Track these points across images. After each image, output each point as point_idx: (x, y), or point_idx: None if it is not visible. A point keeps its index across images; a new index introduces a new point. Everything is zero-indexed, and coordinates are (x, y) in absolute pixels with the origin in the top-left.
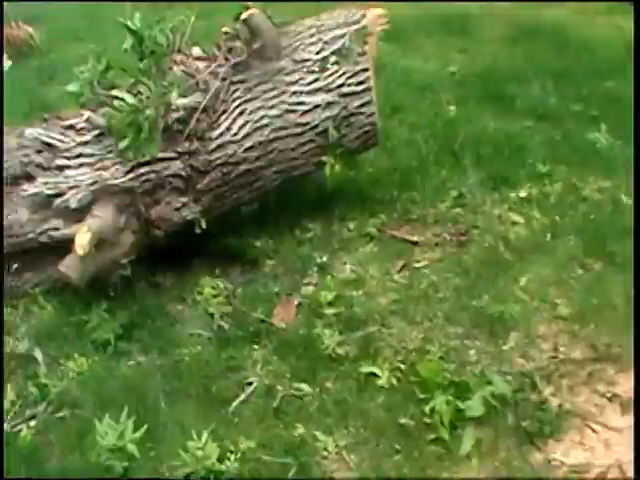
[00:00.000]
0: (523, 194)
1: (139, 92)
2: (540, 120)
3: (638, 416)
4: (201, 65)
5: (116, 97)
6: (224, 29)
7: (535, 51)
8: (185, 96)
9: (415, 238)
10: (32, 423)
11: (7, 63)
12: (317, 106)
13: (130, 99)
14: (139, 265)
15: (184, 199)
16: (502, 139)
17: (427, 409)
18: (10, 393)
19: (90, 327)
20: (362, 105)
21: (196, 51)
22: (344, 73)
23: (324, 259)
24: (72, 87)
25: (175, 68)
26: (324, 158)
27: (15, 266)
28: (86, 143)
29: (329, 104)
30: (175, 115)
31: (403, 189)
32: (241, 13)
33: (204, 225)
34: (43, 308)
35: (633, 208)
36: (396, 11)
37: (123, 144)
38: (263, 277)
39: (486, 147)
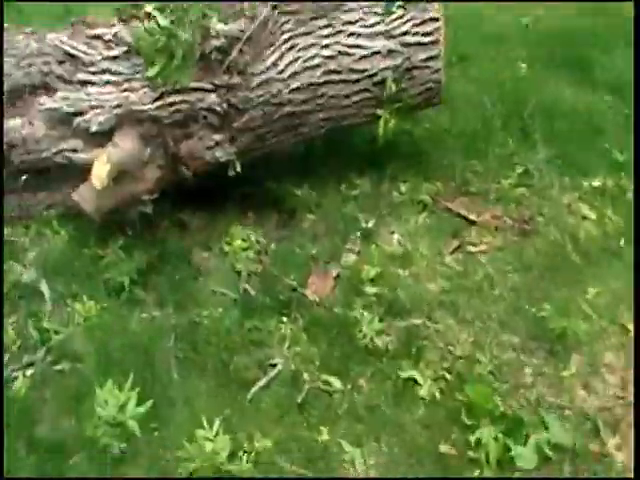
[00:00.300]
0: (596, 183)
1: (176, 10)
2: (620, 96)
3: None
4: None
5: (149, 15)
6: None
7: (621, 14)
8: (227, 22)
9: (473, 217)
10: (29, 372)
11: None
12: (376, 52)
13: (163, 21)
14: (164, 200)
15: (218, 137)
16: (577, 114)
17: (472, 439)
18: (10, 330)
19: (104, 265)
20: (428, 59)
21: None
22: (410, 19)
23: (370, 224)
24: None
25: None
26: (379, 111)
27: (24, 178)
28: (114, 58)
29: (390, 52)
30: (215, 43)
31: (464, 155)
32: None
33: (239, 168)
34: (57, 233)
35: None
36: None
37: (152, 71)
38: (300, 235)
39: (559, 120)
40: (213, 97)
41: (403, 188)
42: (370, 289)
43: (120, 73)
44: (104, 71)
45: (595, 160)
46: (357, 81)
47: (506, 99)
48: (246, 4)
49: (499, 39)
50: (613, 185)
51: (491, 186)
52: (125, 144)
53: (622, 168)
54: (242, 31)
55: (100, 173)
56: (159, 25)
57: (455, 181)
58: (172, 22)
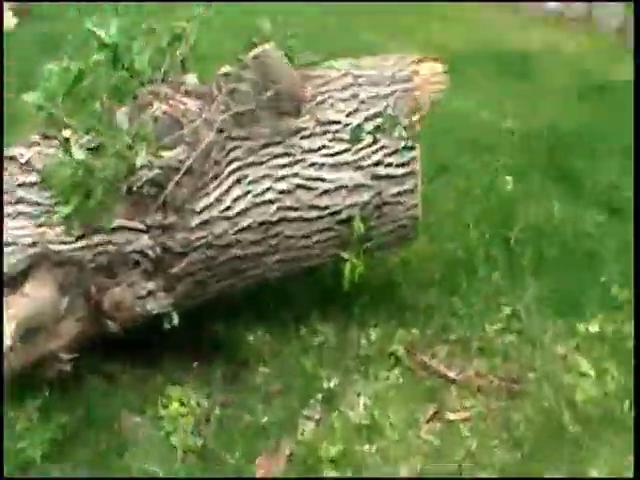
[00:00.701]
0: (594, 329)
1: (97, 133)
2: (614, 214)
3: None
4: (192, 105)
5: (67, 140)
6: (223, 70)
7: (607, 112)
8: (159, 155)
9: (453, 374)
10: None
11: (12, 21)
12: (342, 187)
13: (79, 154)
14: (89, 349)
15: (151, 285)
16: (569, 237)
17: None
18: None
19: (16, 433)
20: (401, 193)
21: (191, 80)
22: (382, 148)
23: (332, 383)
24: (30, 97)
25: (155, 106)
26: (344, 254)
27: None
28: (31, 185)
29: (357, 187)
30: (147, 174)
31: (444, 291)
32: (252, 45)
33: (176, 320)
34: None
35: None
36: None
37: (66, 209)
38: (251, 394)
39: (549, 246)
40: (145, 239)
41: (373, 335)
42: (329, 472)
43: (37, 204)
44: (18, 201)
45: (591, 297)
46: (319, 218)
47: (490, 217)
48: (186, 130)
49: (482, 144)
50: (613, 331)
51: (474, 333)
52: (37, 294)
53: (622, 307)
54: (181, 161)
55: (5, 331)
56: (73, 157)
57: (434, 326)
58: (94, 149)
